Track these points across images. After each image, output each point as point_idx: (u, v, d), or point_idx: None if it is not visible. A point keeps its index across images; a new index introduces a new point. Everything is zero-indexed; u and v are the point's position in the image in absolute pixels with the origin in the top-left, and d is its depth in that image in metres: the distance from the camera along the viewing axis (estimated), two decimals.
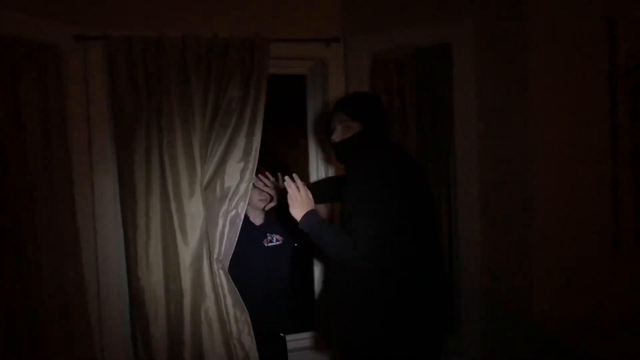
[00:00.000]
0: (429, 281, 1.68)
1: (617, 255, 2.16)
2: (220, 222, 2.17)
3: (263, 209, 2.30)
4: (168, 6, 2.32)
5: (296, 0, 2.49)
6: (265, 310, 2.23)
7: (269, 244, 2.26)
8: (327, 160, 2.62)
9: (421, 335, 1.66)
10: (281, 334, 2.32)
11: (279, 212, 2.27)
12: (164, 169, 2.12)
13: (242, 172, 2.19)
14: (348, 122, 1.78)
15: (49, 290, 2.03)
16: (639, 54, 2.12)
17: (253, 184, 2.21)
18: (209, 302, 2.13)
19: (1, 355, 1.88)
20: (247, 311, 2.15)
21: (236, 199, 2.17)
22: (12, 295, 1.93)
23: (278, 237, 2.28)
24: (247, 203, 2.17)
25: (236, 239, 2.16)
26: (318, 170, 2.72)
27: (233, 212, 2.16)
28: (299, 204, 1.70)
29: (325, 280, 1.88)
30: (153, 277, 2.13)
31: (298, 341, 2.65)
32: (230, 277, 2.17)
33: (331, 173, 2.60)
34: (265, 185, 2.26)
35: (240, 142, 2.19)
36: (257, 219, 2.31)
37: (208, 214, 2.16)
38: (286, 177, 1.75)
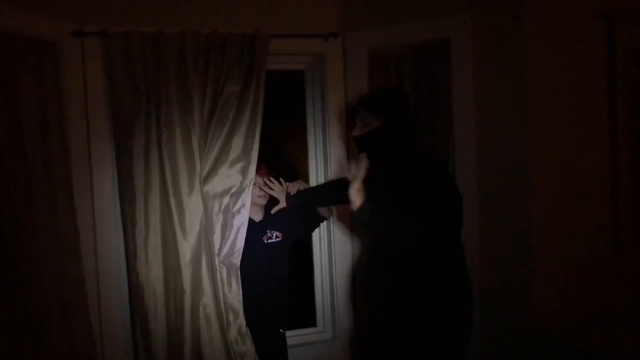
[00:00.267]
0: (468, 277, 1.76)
1: (618, 254, 2.15)
2: (222, 218, 2.17)
3: (262, 206, 2.30)
4: (166, 1, 2.31)
5: None
6: (265, 306, 2.23)
7: (269, 240, 2.26)
8: (327, 155, 2.62)
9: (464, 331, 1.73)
10: (281, 330, 2.32)
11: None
12: (163, 164, 2.12)
13: (242, 167, 2.19)
14: (367, 118, 1.79)
15: (49, 286, 2.03)
16: (637, 49, 2.12)
17: (254, 182, 2.22)
18: (208, 298, 2.13)
19: (2, 354, 1.87)
20: (245, 307, 2.16)
21: (237, 194, 2.17)
22: (12, 293, 1.93)
23: (277, 233, 2.28)
24: (249, 199, 2.18)
25: (244, 235, 2.17)
26: (317, 165, 2.72)
27: (234, 208, 2.17)
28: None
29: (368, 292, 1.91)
30: (153, 273, 2.13)
31: (298, 337, 2.66)
32: (236, 274, 2.17)
33: (330, 168, 2.60)
34: (272, 189, 2.28)
35: (239, 138, 2.20)
36: (257, 215, 2.31)
37: (208, 209, 2.17)
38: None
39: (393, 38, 2.46)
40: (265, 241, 2.26)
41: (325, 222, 2.47)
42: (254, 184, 2.23)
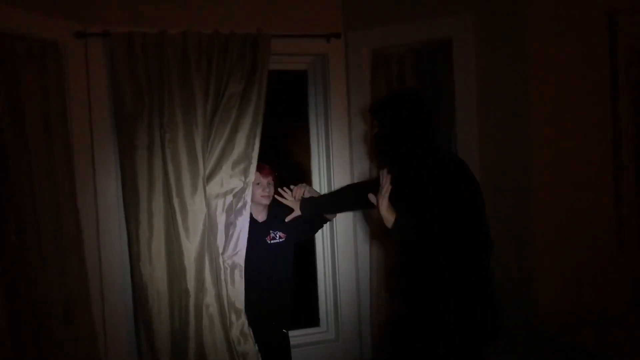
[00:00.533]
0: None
1: (621, 253, 2.16)
2: (225, 218, 2.17)
3: (266, 206, 2.30)
4: (168, 2, 2.31)
5: None
6: (269, 306, 2.24)
7: (272, 241, 2.26)
8: (329, 154, 2.62)
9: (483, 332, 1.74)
10: (284, 330, 2.32)
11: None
12: (166, 164, 2.12)
13: (244, 167, 2.19)
14: (384, 120, 1.83)
15: (52, 287, 2.03)
16: None
17: (257, 182, 2.23)
18: (210, 298, 2.14)
19: (6, 354, 1.88)
20: (248, 307, 2.16)
21: (239, 193, 2.18)
22: (16, 293, 1.93)
23: (281, 233, 2.28)
24: (250, 198, 2.18)
25: (246, 234, 2.17)
26: (320, 165, 2.72)
27: (237, 207, 2.17)
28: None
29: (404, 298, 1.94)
30: (156, 273, 2.14)
31: (301, 337, 2.66)
32: (240, 273, 2.18)
33: (333, 168, 2.60)
34: (285, 198, 2.28)
35: (242, 138, 2.20)
36: (260, 216, 2.31)
37: (211, 209, 2.17)
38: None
39: (395, 38, 2.46)
40: (269, 241, 2.26)
41: (328, 222, 2.47)
42: (257, 184, 2.24)
